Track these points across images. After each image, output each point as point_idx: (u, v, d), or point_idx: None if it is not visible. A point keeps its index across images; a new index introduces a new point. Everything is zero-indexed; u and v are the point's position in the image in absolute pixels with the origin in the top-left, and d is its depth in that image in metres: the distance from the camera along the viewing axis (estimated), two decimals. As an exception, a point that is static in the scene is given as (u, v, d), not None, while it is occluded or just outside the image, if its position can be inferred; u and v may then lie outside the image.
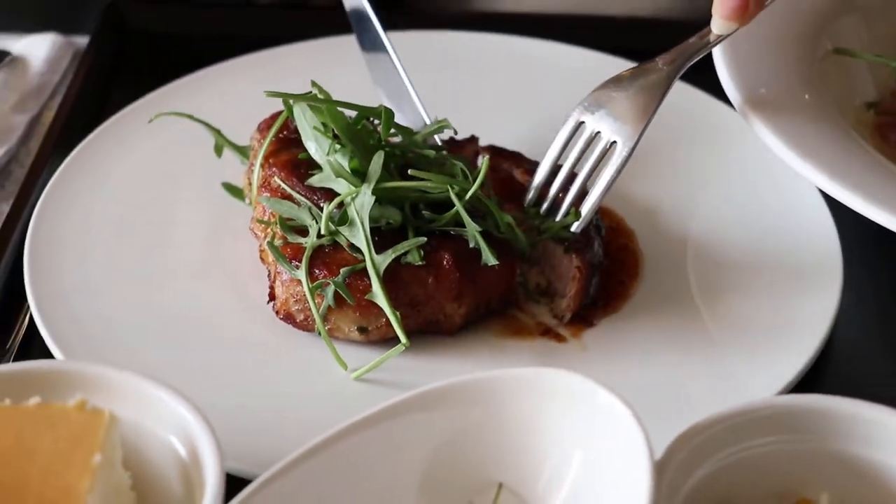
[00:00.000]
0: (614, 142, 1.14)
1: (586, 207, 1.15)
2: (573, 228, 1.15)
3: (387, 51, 1.26)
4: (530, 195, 1.18)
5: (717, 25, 1.14)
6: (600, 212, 1.20)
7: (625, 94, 1.15)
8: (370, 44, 1.28)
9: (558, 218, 1.16)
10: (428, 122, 1.24)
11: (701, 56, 1.17)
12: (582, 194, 1.16)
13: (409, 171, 1.15)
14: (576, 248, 1.15)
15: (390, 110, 1.15)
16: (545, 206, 1.17)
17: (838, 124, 1.23)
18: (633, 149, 1.13)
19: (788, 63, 1.29)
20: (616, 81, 1.16)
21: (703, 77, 1.28)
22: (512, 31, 1.46)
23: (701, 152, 1.33)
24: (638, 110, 1.14)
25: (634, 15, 1.61)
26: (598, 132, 1.14)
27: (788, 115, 1.21)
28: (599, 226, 1.20)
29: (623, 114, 1.14)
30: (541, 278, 1.18)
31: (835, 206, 1.19)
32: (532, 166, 1.24)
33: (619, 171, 1.13)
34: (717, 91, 1.26)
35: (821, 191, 1.20)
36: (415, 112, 1.26)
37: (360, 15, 1.27)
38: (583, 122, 1.16)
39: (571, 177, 1.16)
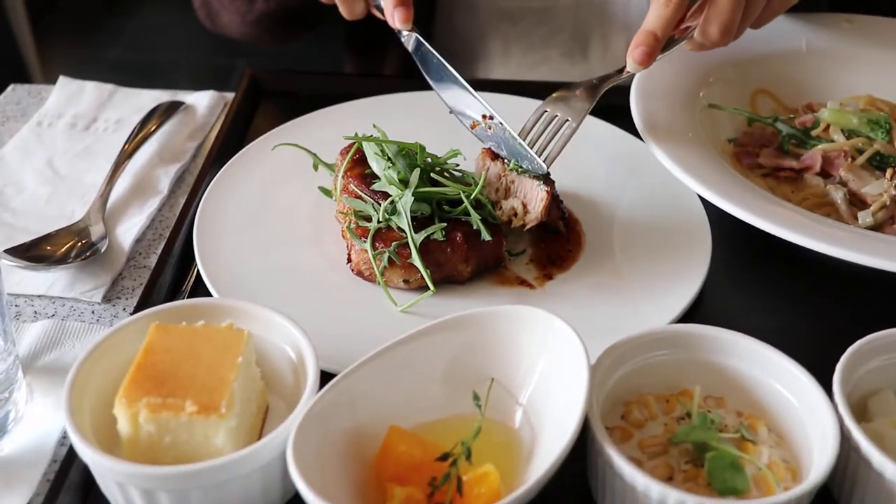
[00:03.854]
0: (567, 120, 1.15)
1: (550, 157, 1.14)
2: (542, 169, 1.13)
3: (443, 65, 1.19)
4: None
5: (631, 66, 1.15)
6: (563, 202, 1.19)
7: (573, 95, 1.17)
8: (429, 68, 1.21)
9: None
10: (479, 98, 1.17)
11: (619, 82, 1.18)
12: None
13: (435, 178, 1.14)
14: (545, 181, 1.13)
15: (423, 145, 1.14)
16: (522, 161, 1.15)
17: (709, 152, 1.22)
18: (579, 124, 1.15)
19: (679, 113, 1.28)
20: (567, 88, 1.18)
21: (625, 121, 1.27)
22: (506, 92, 1.42)
23: (622, 169, 1.31)
24: (582, 105, 1.16)
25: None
26: (557, 115, 1.16)
27: (678, 146, 1.20)
28: (557, 196, 1.17)
29: (573, 105, 1.16)
30: (518, 204, 1.14)
31: (707, 204, 1.19)
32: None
33: (569, 138, 1.14)
34: (633, 130, 1.25)
35: (698, 195, 1.19)
36: (470, 97, 1.18)
37: (421, 50, 1.21)
38: (546, 111, 1.17)
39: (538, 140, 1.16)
